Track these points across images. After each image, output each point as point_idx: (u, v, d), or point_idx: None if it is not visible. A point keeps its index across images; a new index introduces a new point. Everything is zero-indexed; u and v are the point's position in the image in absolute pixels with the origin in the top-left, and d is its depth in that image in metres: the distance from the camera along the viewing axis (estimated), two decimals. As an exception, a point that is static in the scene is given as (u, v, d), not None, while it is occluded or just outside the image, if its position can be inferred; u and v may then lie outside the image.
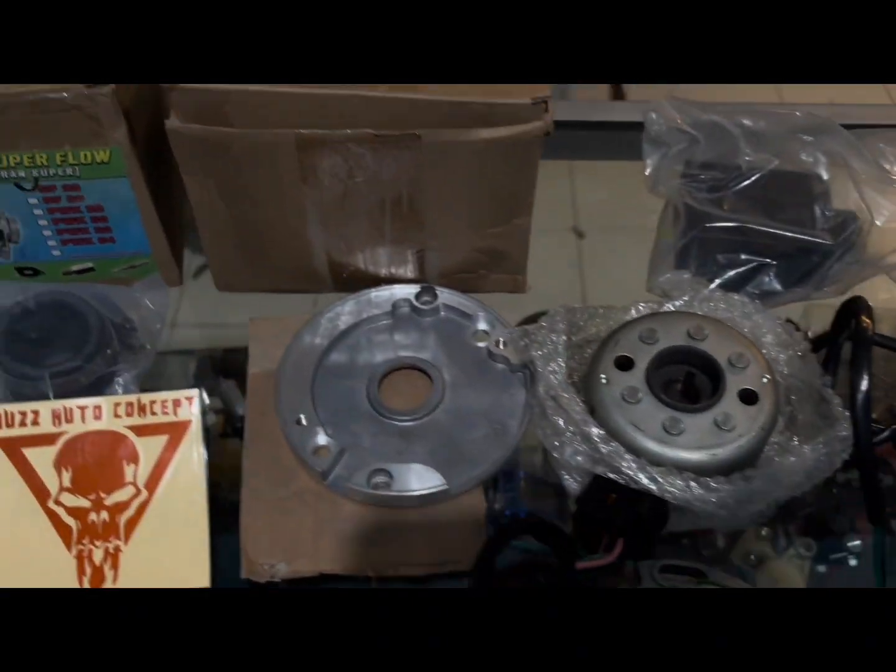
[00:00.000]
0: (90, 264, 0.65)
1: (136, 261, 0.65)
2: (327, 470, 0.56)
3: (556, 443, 0.55)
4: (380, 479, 0.56)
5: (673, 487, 0.51)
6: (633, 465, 0.51)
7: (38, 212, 0.60)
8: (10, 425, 0.55)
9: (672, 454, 0.52)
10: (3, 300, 0.60)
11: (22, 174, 0.57)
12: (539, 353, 0.56)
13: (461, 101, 0.53)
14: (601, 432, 0.52)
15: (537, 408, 0.57)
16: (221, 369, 0.69)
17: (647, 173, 0.70)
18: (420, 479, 0.56)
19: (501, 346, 0.62)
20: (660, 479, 0.50)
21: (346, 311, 0.64)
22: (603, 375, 0.54)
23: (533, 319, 0.60)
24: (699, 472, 0.51)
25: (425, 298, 0.65)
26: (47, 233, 0.62)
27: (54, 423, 0.56)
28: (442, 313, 0.65)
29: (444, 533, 0.55)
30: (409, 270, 0.65)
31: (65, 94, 0.53)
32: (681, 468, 0.51)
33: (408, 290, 0.65)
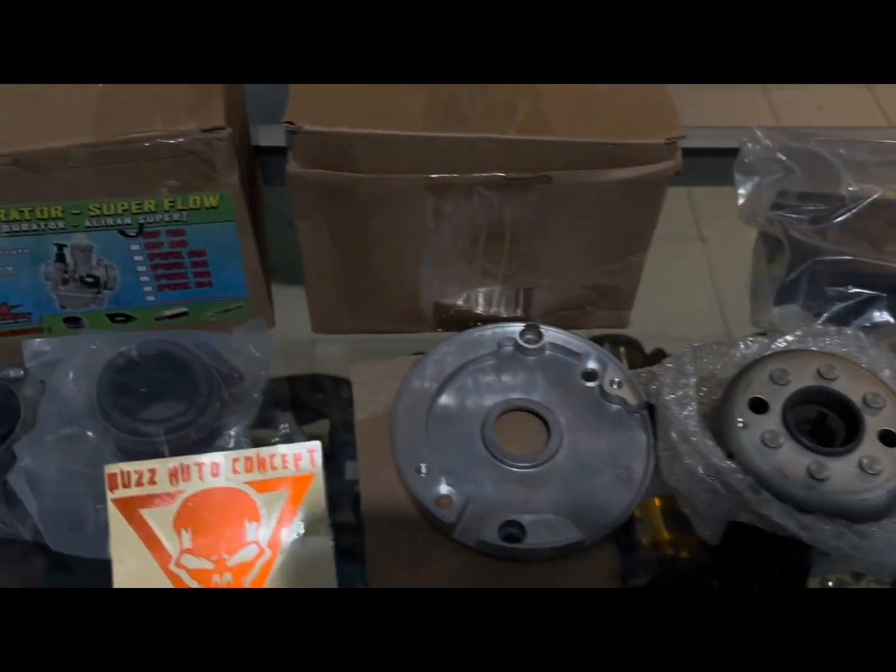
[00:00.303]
0: (184, 309, 0.63)
1: (232, 304, 0.63)
2: (454, 522, 0.54)
3: (690, 489, 0.54)
4: (511, 530, 0.54)
5: (824, 535, 0.49)
6: (783, 512, 0.50)
7: (138, 258, 0.58)
8: (126, 485, 0.53)
9: (820, 500, 0.51)
10: (102, 350, 0.57)
11: (128, 221, 0.55)
12: (671, 396, 0.55)
13: (592, 141, 0.52)
14: (748, 479, 0.50)
15: (666, 451, 0.56)
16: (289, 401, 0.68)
17: (740, 203, 0.69)
18: (553, 532, 0.54)
19: (615, 387, 0.61)
20: (810, 527, 0.49)
21: (451, 352, 0.63)
22: (740, 419, 0.53)
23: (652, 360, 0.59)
24: (848, 517, 0.50)
25: (529, 336, 0.63)
26: (145, 278, 0.60)
27: (171, 482, 0.53)
28: (547, 352, 0.64)
29: (583, 584, 0.53)
30: (511, 309, 0.64)
31: (181, 140, 0.51)
32: (829, 514, 0.50)
33: (511, 329, 0.64)
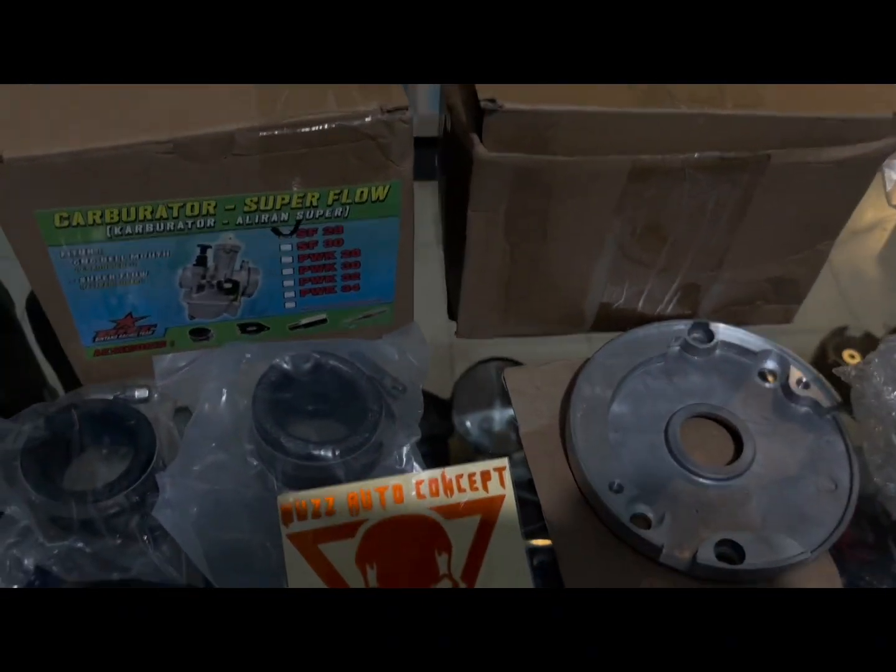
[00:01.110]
0: (323, 316, 0.56)
1: (373, 310, 0.57)
2: (660, 543, 0.49)
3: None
4: (724, 549, 0.49)
5: None
6: None
7: (287, 259, 0.51)
8: (302, 518, 0.46)
9: None
10: (251, 364, 0.51)
11: (284, 217, 0.49)
12: (891, 392, 0.50)
13: (814, 116, 0.47)
14: None
15: (876, 455, 0.51)
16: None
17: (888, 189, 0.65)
18: (772, 549, 0.49)
19: (802, 387, 0.56)
20: None
21: (617, 354, 0.57)
22: (973, 419, 0.49)
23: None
24: None
25: (697, 335, 0.58)
26: (289, 283, 0.53)
27: (351, 512, 0.47)
28: (718, 352, 0.59)
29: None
30: (679, 306, 0.59)
31: (361, 122, 0.45)
32: None
33: (678, 327, 0.59)
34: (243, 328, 0.55)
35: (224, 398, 0.49)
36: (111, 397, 0.52)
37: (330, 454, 0.47)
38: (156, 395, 0.53)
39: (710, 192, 0.49)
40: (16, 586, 0.44)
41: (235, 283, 0.52)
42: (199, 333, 0.55)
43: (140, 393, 0.53)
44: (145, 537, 0.48)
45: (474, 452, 0.60)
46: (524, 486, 0.53)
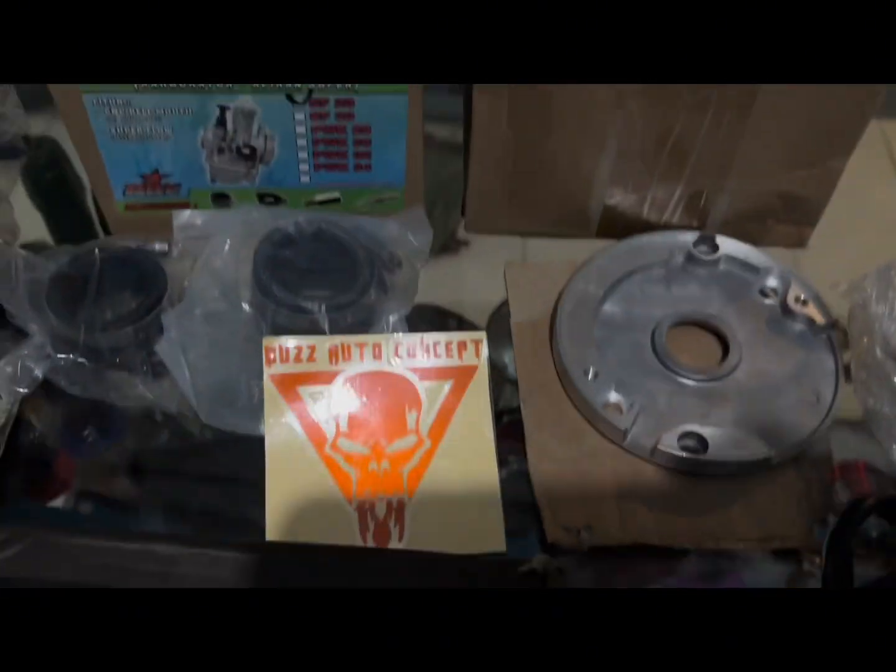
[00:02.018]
0: (337, 195, 0.59)
1: (385, 194, 0.59)
2: (627, 429, 0.50)
3: None
4: (689, 442, 0.50)
5: None
6: None
7: (300, 129, 0.54)
8: (284, 360, 0.50)
9: None
10: (258, 225, 0.54)
11: (298, 84, 0.52)
12: (880, 309, 0.50)
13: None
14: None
15: (863, 371, 0.51)
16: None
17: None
18: (737, 446, 0.49)
19: (800, 304, 0.56)
20: None
21: (617, 257, 0.58)
22: (962, 337, 0.48)
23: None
24: None
25: (703, 248, 0.58)
26: (303, 154, 0.56)
27: (331, 361, 0.50)
28: (722, 266, 0.59)
29: (765, 506, 0.49)
30: (686, 216, 0.59)
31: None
32: None
33: (683, 238, 0.59)
34: (261, 198, 0.59)
35: (227, 249, 0.52)
36: (134, 247, 0.56)
37: (317, 307, 0.50)
38: (175, 252, 0.58)
39: (711, 90, 0.49)
40: (24, 390, 0.49)
41: (253, 150, 0.56)
42: (221, 199, 0.59)
43: (160, 246, 0.57)
44: (145, 368, 0.52)
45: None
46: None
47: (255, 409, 0.49)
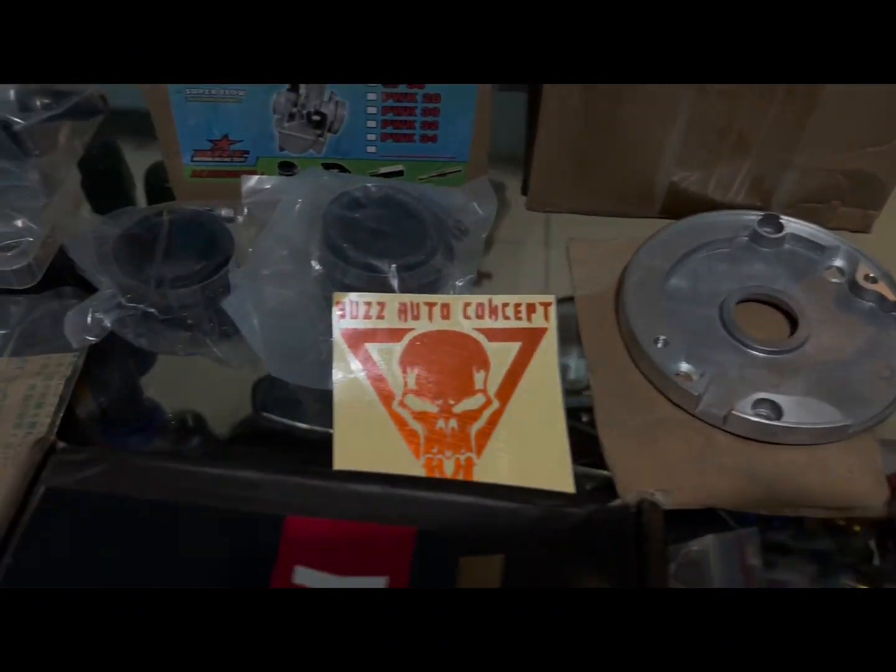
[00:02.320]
0: (400, 167, 0.60)
1: (448, 168, 0.60)
2: (700, 395, 0.49)
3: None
4: (763, 409, 0.49)
5: None
6: None
7: (371, 96, 0.55)
8: (354, 316, 0.50)
9: None
10: (327, 190, 0.54)
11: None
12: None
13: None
14: None
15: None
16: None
17: None
18: (812, 413, 0.48)
19: (869, 282, 0.55)
20: None
21: (682, 233, 0.58)
22: None
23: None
24: None
25: (768, 228, 0.58)
26: (371, 123, 0.57)
27: (400, 319, 0.50)
28: (787, 245, 0.58)
29: (842, 475, 0.48)
30: (751, 195, 0.59)
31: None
32: None
33: (748, 217, 0.58)
34: (327, 168, 0.59)
35: (297, 210, 0.52)
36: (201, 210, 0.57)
37: (387, 266, 0.50)
38: (240, 218, 0.58)
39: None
40: (93, 339, 0.49)
41: (323, 117, 0.56)
42: (287, 167, 0.59)
43: (226, 212, 0.58)
44: (211, 325, 0.52)
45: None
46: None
47: (323, 365, 0.49)
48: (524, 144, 0.65)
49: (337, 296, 0.49)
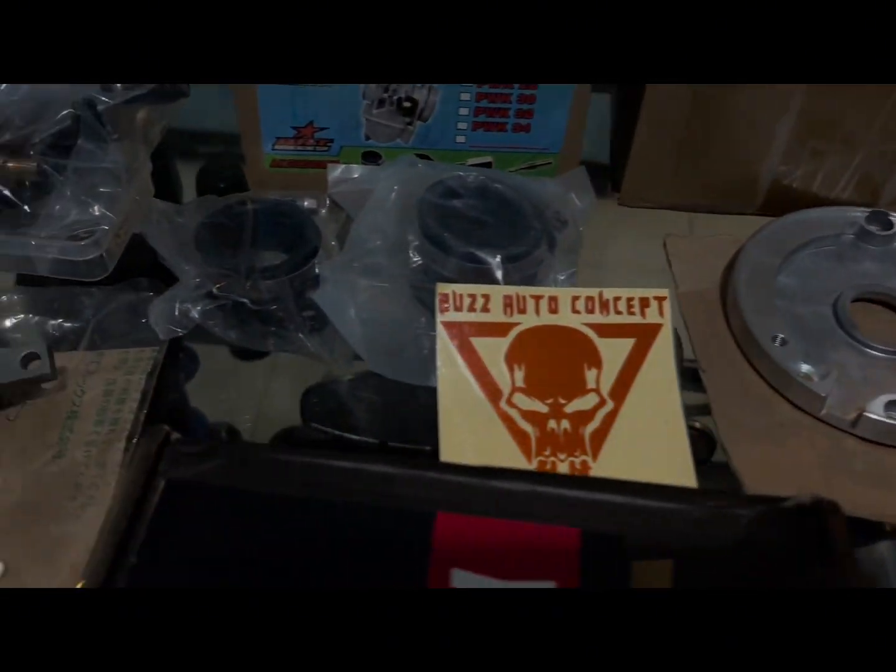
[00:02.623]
0: (489, 159, 0.57)
1: (539, 160, 0.57)
2: (824, 393, 0.46)
3: None
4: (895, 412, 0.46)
5: None
6: None
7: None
8: (458, 308, 0.47)
9: None
10: (419, 179, 0.52)
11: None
12: None
13: None
14: None
15: None
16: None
17: None
18: (951, 416, 0.46)
19: None
20: None
21: (787, 229, 0.55)
22: None
23: None
24: None
25: (876, 225, 0.55)
26: (463, 111, 0.54)
27: (506, 312, 0.47)
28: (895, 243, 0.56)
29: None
30: (858, 192, 0.56)
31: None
32: None
33: (854, 214, 0.56)
34: (412, 159, 0.57)
35: (392, 200, 0.50)
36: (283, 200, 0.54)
37: (491, 258, 0.47)
38: (323, 210, 0.55)
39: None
40: (180, 331, 0.46)
41: (414, 103, 0.54)
42: (371, 158, 0.56)
43: (309, 203, 0.55)
44: (300, 318, 0.49)
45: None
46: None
47: (425, 360, 0.46)
48: (610, 140, 0.63)
49: (440, 287, 0.46)
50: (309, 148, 0.55)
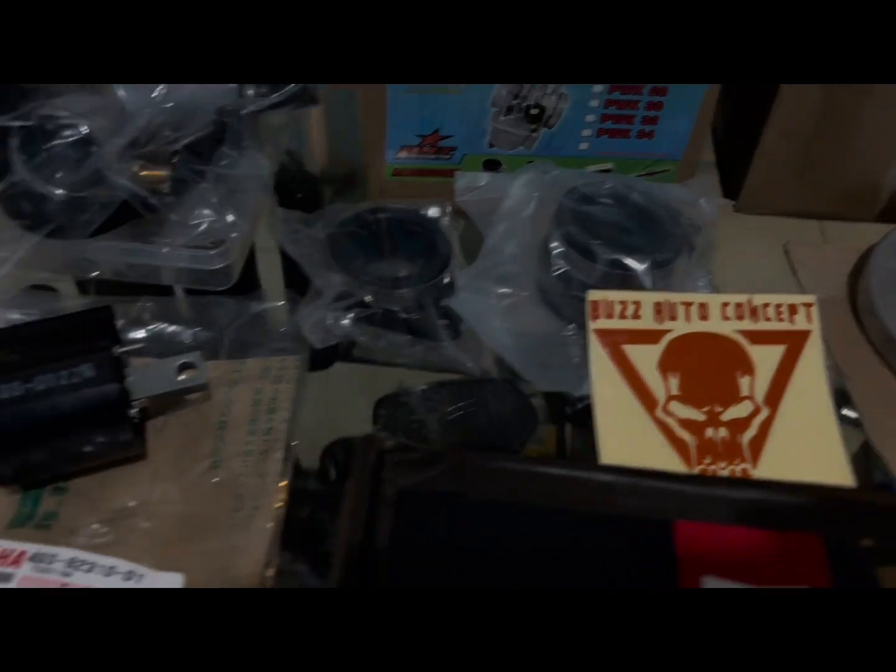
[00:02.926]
0: (609, 165, 0.57)
1: (659, 167, 0.57)
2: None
3: None
4: None
5: None
6: None
7: (597, 88, 0.52)
8: (609, 316, 0.46)
9: None
10: (545, 188, 0.51)
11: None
12: None
13: None
14: None
15: None
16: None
17: None
18: None
19: None
20: None
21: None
22: None
23: None
24: None
25: None
26: (590, 118, 0.54)
27: (656, 319, 0.47)
28: None
29: None
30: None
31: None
32: None
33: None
34: (532, 167, 0.57)
35: (532, 204, 0.50)
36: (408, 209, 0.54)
37: (638, 264, 0.47)
38: (446, 218, 0.55)
39: None
40: (333, 340, 0.46)
41: (542, 110, 0.53)
42: (491, 166, 0.56)
43: (433, 211, 0.55)
44: (440, 329, 0.48)
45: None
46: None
47: (576, 368, 0.46)
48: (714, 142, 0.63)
49: (591, 294, 0.46)
50: (432, 156, 0.55)
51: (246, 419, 0.45)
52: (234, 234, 0.50)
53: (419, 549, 0.28)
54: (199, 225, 0.49)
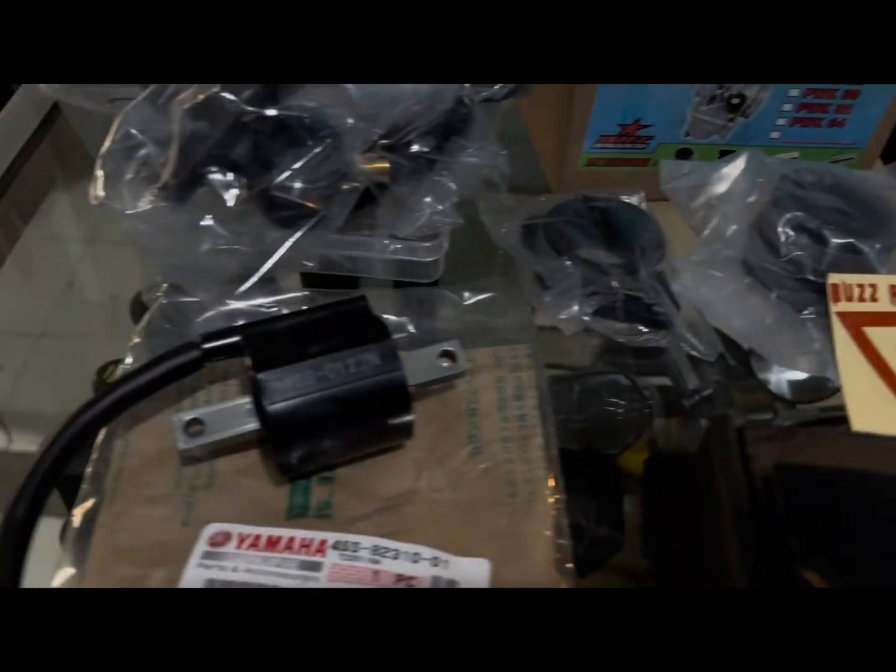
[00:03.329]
0: (795, 154, 0.57)
1: (841, 155, 0.58)
2: None
3: None
4: None
5: None
6: None
7: (801, 77, 0.53)
8: (849, 299, 0.47)
9: None
10: (753, 175, 0.52)
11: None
12: None
13: None
14: None
15: None
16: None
17: None
18: None
19: None
20: None
21: None
22: None
23: None
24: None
25: None
26: (787, 107, 0.54)
27: (892, 302, 0.47)
28: None
29: None
30: None
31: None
32: None
33: None
34: (721, 155, 0.57)
35: (754, 192, 0.50)
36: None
37: (869, 248, 0.47)
38: (643, 206, 0.55)
39: None
40: (579, 329, 0.46)
41: (742, 100, 0.54)
42: (683, 155, 0.57)
43: (630, 199, 0.55)
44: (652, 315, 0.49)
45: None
46: None
47: (817, 352, 0.46)
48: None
49: (831, 277, 0.47)
50: (628, 146, 0.55)
51: (495, 406, 0.45)
52: (447, 226, 0.51)
53: (816, 521, 0.29)
54: (419, 217, 0.50)
